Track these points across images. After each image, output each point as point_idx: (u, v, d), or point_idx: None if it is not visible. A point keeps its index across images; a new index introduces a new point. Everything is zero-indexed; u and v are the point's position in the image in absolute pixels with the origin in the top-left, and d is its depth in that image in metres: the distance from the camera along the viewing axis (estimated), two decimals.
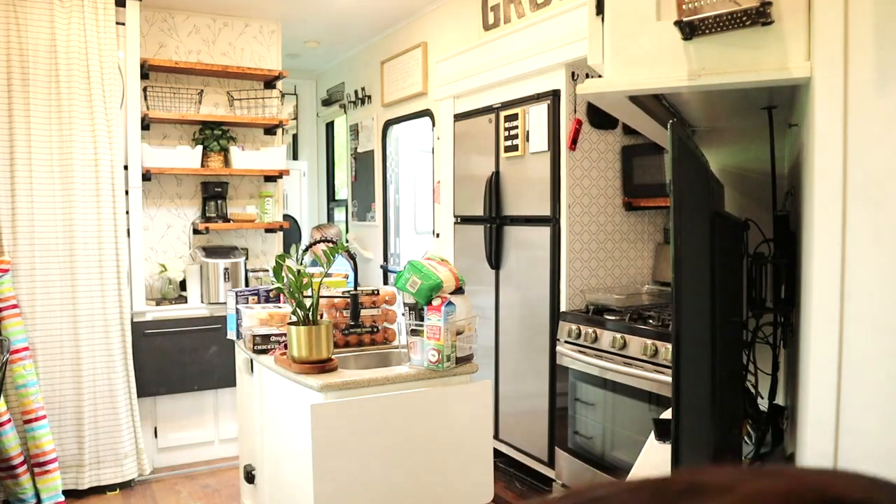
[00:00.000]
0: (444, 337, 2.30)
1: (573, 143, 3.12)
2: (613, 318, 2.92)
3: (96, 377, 3.58)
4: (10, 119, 3.43)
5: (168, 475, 3.88)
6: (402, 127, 5.36)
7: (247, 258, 4.43)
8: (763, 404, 1.50)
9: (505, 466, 3.58)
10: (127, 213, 3.79)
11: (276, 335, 2.62)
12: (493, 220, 3.55)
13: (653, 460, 1.56)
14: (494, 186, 3.53)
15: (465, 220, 3.87)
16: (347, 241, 5.69)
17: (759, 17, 0.97)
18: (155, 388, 3.94)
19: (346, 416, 2.19)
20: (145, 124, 4.17)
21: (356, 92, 5.77)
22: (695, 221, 1.02)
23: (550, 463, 3.24)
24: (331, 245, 2.39)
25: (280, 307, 2.82)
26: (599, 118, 3.16)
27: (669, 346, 2.53)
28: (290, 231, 4.89)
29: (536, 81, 3.27)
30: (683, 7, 1.00)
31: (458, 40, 4.26)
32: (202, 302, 4.14)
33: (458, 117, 3.87)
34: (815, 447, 0.95)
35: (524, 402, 3.43)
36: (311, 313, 2.29)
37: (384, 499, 2.27)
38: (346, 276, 3.27)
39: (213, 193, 4.37)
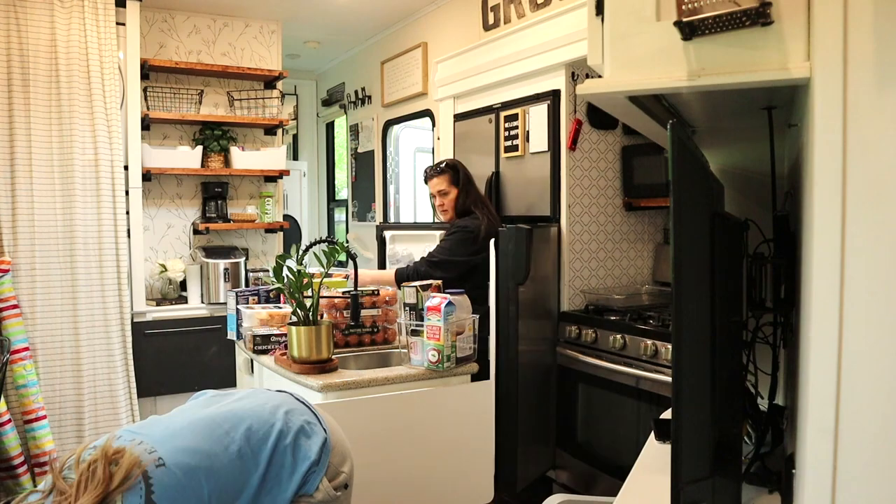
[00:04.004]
0: (444, 337, 2.30)
1: (573, 143, 3.12)
2: (613, 318, 2.92)
3: (96, 377, 3.58)
4: (10, 119, 3.43)
5: None
6: (402, 127, 5.36)
7: (247, 258, 4.44)
8: (763, 404, 1.50)
9: None
10: (127, 213, 3.80)
11: (276, 335, 2.62)
12: None
13: (653, 460, 1.56)
14: (495, 187, 3.53)
15: None
16: (347, 242, 5.69)
17: (759, 17, 0.97)
18: (155, 388, 3.94)
19: (346, 416, 2.19)
20: (145, 124, 4.17)
21: (356, 92, 5.77)
22: (695, 221, 1.02)
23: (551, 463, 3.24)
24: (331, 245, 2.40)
25: (280, 307, 2.83)
26: (599, 118, 3.16)
27: (669, 346, 2.53)
28: (290, 231, 4.89)
29: (536, 82, 3.27)
30: (683, 7, 1.00)
31: (458, 40, 4.26)
32: (202, 302, 4.15)
33: (459, 117, 3.87)
34: (814, 447, 0.95)
35: None
36: (311, 313, 2.29)
37: (384, 499, 2.27)
38: (347, 277, 3.28)
39: (214, 194, 4.37)
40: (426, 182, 3.37)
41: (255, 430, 1.47)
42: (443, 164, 3.31)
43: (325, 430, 1.58)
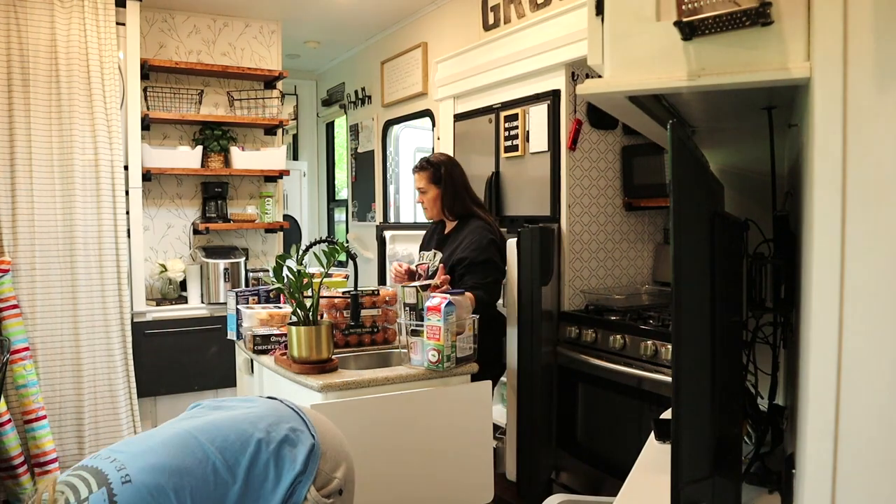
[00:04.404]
0: (444, 337, 2.30)
1: (573, 143, 3.12)
2: (614, 318, 2.92)
3: (96, 377, 3.58)
4: (10, 119, 3.43)
5: None
6: (402, 127, 5.36)
7: (247, 258, 4.44)
8: (763, 404, 1.50)
9: None
10: (127, 213, 3.80)
11: (276, 335, 2.62)
12: None
13: (653, 460, 1.56)
14: (494, 187, 3.53)
15: None
16: (347, 242, 5.68)
17: (759, 17, 0.97)
18: (155, 388, 3.94)
19: (346, 416, 2.19)
20: (145, 124, 4.17)
21: (356, 92, 5.77)
22: (695, 221, 1.02)
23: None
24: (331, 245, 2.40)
25: (280, 307, 2.83)
26: (599, 118, 3.16)
27: (669, 346, 2.53)
28: (290, 231, 4.89)
29: (536, 82, 3.27)
30: (683, 7, 1.00)
31: (458, 40, 4.26)
32: (202, 302, 4.15)
33: (459, 117, 3.87)
34: (814, 447, 0.95)
35: None
36: (311, 313, 2.29)
37: (384, 499, 2.27)
38: (347, 277, 3.28)
39: (214, 193, 4.37)
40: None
41: (231, 442, 1.45)
42: (425, 161, 3.06)
43: (313, 436, 1.54)
